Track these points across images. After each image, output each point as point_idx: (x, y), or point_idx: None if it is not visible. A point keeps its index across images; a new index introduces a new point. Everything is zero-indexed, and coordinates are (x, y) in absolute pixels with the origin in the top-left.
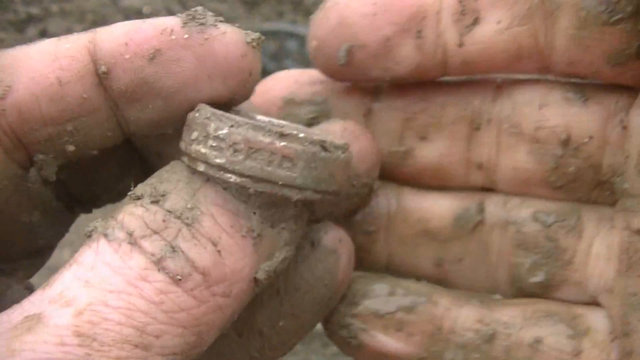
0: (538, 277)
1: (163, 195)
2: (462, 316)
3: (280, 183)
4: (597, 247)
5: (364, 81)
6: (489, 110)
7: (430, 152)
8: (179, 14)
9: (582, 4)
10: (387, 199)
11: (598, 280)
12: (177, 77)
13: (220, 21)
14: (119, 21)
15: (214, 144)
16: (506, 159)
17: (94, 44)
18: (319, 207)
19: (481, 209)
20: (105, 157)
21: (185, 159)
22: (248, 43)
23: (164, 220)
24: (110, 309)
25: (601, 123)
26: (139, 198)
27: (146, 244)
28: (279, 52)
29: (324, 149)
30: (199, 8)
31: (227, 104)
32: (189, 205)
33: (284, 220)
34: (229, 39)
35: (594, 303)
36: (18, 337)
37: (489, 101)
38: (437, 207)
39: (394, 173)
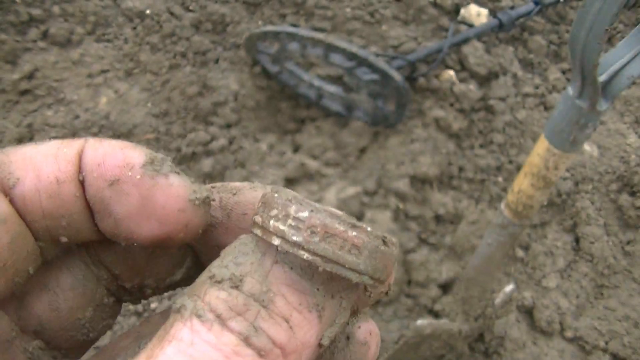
0: None
1: (241, 280)
2: None
3: (346, 266)
4: None
5: None
6: None
7: None
8: (150, 153)
9: None
10: None
11: None
12: (123, 207)
13: (177, 172)
14: (120, 23)
15: (292, 224)
16: None
17: (83, 153)
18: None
19: None
20: (160, 252)
21: (258, 231)
22: (191, 200)
23: (244, 304)
24: None
25: None
26: (219, 282)
27: (233, 324)
28: (280, 54)
29: (384, 243)
30: (160, 156)
31: (165, 244)
32: (264, 289)
33: (342, 290)
34: (172, 191)
35: None
36: None
37: None
38: None
39: None
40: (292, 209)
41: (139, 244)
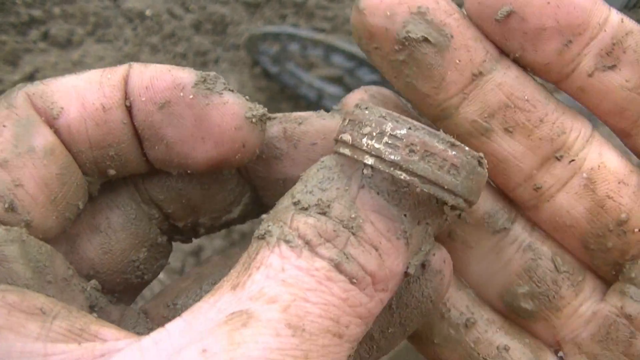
0: (528, 305)
1: (328, 206)
2: (455, 297)
3: (445, 187)
4: (584, 309)
5: (498, 41)
6: (576, 152)
7: (504, 148)
8: (200, 72)
9: None
10: None
11: (571, 334)
12: (176, 130)
13: (230, 90)
14: (121, 24)
15: (389, 142)
16: (564, 200)
17: (128, 77)
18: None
19: (511, 221)
20: (216, 188)
21: (347, 150)
22: (247, 118)
23: (334, 230)
24: (311, 304)
25: None
26: (305, 208)
27: (323, 251)
28: (280, 55)
29: (480, 164)
30: (213, 73)
31: (221, 167)
32: (352, 215)
33: (429, 217)
34: (227, 109)
35: (554, 348)
36: (236, 331)
37: (581, 142)
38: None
39: (462, 141)
40: (388, 126)
41: (193, 170)
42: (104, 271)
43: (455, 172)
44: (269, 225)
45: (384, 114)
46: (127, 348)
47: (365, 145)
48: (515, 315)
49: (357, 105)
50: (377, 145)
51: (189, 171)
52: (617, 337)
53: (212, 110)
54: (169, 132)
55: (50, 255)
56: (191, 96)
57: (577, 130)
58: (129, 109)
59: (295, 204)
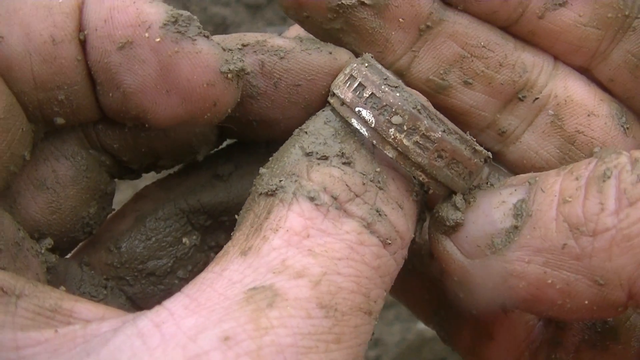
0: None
1: (351, 156)
2: None
3: (455, 191)
4: None
5: None
6: (540, 89)
7: (465, 100)
8: (171, 10)
9: None
10: None
11: None
12: (136, 78)
13: (205, 36)
14: None
15: (420, 142)
16: (531, 141)
17: (84, 5)
18: None
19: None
20: (182, 134)
21: (364, 130)
22: (222, 72)
23: (363, 184)
24: (343, 278)
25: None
26: (325, 158)
27: (353, 208)
28: None
29: (486, 163)
30: (186, 14)
31: (186, 124)
32: (377, 169)
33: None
34: (200, 60)
35: None
36: (261, 312)
37: (544, 77)
38: None
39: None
40: (423, 125)
41: (153, 126)
42: (50, 232)
43: (468, 178)
44: (280, 180)
45: (418, 107)
46: (121, 334)
47: (392, 137)
48: None
49: (370, 66)
50: (406, 143)
51: (147, 125)
52: None
53: (181, 59)
54: (128, 79)
55: None
56: (158, 39)
57: (539, 66)
58: (82, 44)
59: (307, 154)
